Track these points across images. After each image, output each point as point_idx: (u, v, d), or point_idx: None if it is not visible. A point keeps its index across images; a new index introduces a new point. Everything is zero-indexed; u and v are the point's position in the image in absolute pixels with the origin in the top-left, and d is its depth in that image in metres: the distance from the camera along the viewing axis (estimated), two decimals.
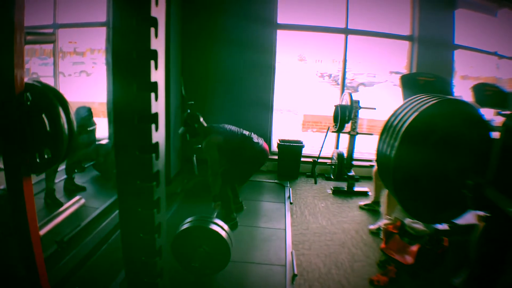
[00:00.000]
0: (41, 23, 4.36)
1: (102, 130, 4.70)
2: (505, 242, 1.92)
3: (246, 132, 4.23)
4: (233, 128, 4.24)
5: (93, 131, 4.56)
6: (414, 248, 3.39)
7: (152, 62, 1.42)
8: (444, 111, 2.08)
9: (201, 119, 4.20)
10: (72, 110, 1.92)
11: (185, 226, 3.15)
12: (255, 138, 4.22)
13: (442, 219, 2.59)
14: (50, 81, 5.15)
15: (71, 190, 4.21)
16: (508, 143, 1.82)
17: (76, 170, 4.31)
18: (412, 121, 2.03)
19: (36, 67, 5.45)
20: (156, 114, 1.49)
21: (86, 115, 4.33)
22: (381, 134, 2.22)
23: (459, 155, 2.04)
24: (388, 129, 2.16)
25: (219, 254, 3.12)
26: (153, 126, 1.47)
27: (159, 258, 1.61)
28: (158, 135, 1.51)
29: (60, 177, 4.26)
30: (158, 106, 1.49)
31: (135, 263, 1.63)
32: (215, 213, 3.81)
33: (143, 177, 1.50)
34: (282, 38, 6.24)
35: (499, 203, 1.77)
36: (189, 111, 5.57)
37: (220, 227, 3.14)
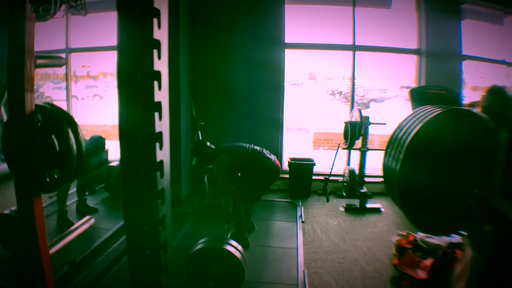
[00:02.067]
0: (54, 48, 4.50)
1: (114, 152, 4.76)
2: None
3: (258, 148, 4.21)
4: (244, 144, 4.22)
5: (105, 153, 4.64)
6: (428, 262, 3.34)
7: (156, 83, 1.46)
8: (448, 121, 2.07)
9: (208, 144, 4.22)
10: (81, 131, 1.97)
11: (199, 246, 3.15)
12: (267, 153, 4.20)
13: (450, 231, 2.56)
14: (63, 105, 5.28)
15: (84, 211, 4.26)
16: None
17: (87, 193, 4.36)
18: (417, 133, 2.03)
19: (50, 91, 5.60)
20: (160, 133, 1.52)
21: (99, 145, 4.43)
22: (387, 148, 2.22)
23: (465, 164, 2.03)
24: (393, 142, 2.16)
25: (233, 274, 3.09)
26: (157, 144, 1.50)
27: (165, 275, 1.62)
28: (163, 154, 1.54)
29: (73, 199, 4.32)
30: (162, 125, 1.52)
31: (141, 281, 1.64)
32: (229, 234, 3.80)
33: (148, 195, 1.53)
34: (293, 57, 6.31)
35: (506, 211, 1.74)
36: (200, 136, 5.63)
37: (234, 248, 3.13)
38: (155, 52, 1.46)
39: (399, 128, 2.22)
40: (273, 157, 4.22)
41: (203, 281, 3.08)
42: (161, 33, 1.49)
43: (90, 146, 4.34)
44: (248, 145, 4.23)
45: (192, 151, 4.28)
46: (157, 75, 1.48)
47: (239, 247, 3.18)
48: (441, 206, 2.13)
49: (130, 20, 1.43)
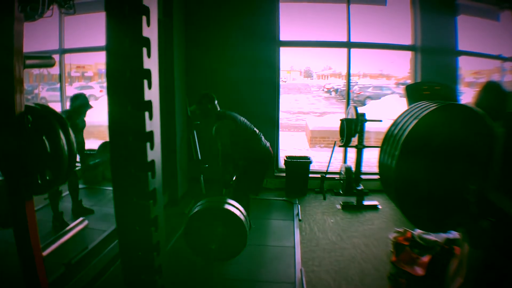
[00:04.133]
0: (47, 48, 4.48)
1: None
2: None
3: (257, 130, 4.19)
4: (246, 121, 4.17)
5: (101, 153, 4.61)
6: (425, 259, 3.32)
7: (145, 82, 1.44)
8: (444, 116, 2.06)
9: (216, 102, 4.10)
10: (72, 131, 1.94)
11: (199, 208, 3.04)
12: (263, 138, 4.18)
13: (447, 227, 2.54)
14: (57, 106, 5.25)
15: (79, 213, 4.23)
16: (510, 143, 1.79)
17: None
18: (412, 129, 2.02)
19: (45, 92, 5.56)
20: (151, 133, 1.50)
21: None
22: (382, 145, 2.20)
23: (461, 160, 2.01)
24: (389, 139, 2.15)
25: (235, 235, 2.99)
26: (148, 144, 1.48)
27: (159, 276, 1.60)
28: (154, 153, 1.52)
29: (68, 200, 4.29)
30: (153, 124, 1.50)
31: (135, 282, 1.62)
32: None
33: (139, 195, 1.50)
34: (290, 55, 6.32)
35: (503, 206, 1.73)
36: (195, 135, 5.58)
37: (235, 208, 3.02)
38: (145, 50, 1.44)
39: (394, 124, 2.20)
40: (268, 143, 4.21)
41: (204, 245, 2.97)
42: (151, 31, 1.47)
43: (75, 106, 4.22)
44: (249, 123, 4.19)
45: (198, 101, 4.10)
46: (147, 74, 1.45)
47: (242, 209, 3.07)
48: (437, 202, 2.12)
49: (118, 18, 1.41)
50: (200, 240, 2.99)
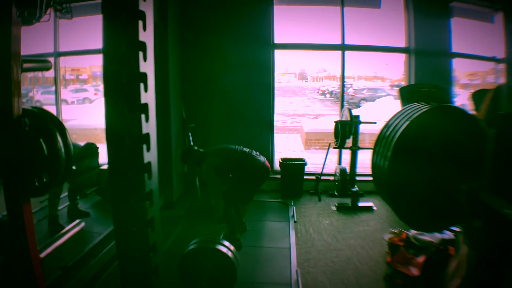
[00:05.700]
0: (42, 52, 4.49)
1: (104, 155, 4.73)
2: (506, 246, 1.89)
3: (246, 149, 4.22)
4: (232, 146, 4.24)
5: (96, 156, 4.61)
6: (420, 259, 3.35)
7: (142, 85, 1.47)
8: (436, 118, 2.09)
9: (196, 148, 4.30)
10: (69, 134, 1.96)
11: (192, 247, 3.14)
12: (256, 154, 4.21)
13: (440, 227, 2.57)
14: (52, 109, 5.25)
15: (75, 216, 4.23)
16: (501, 144, 1.82)
17: (78, 197, 4.33)
18: (404, 130, 2.04)
19: (40, 95, 5.56)
20: (147, 135, 1.52)
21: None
22: (375, 146, 2.23)
23: (454, 161, 2.04)
24: (381, 141, 2.17)
25: (225, 274, 3.09)
26: (144, 146, 1.50)
27: (156, 277, 1.62)
28: (150, 155, 1.54)
29: (64, 204, 4.29)
30: (149, 127, 1.52)
31: (132, 283, 1.64)
32: (221, 235, 3.81)
33: (136, 197, 1.53)
34: (284, 58, 6.35)
35: (494, 205, 1.76)
36: (190, 137, 5.64)
37: (226, 247, 3.13)
38: (141, 54, 1.46)
39: (387, 126, 2.23)
40: (262, 158, 4.23)
41: (196, 281, 3.07)
42: (147, 35, 1.49)
43: (81, 153, 4.33)
44: (237, 146, 4.24)
45: (182, 159, 4.37)
46: (143, 77, 1.48)
47: (231, 247, 3.17)
48: (431, 203, 2.14)
49: (115, 23, 1.44)
50: (192, 277, 3.13)
